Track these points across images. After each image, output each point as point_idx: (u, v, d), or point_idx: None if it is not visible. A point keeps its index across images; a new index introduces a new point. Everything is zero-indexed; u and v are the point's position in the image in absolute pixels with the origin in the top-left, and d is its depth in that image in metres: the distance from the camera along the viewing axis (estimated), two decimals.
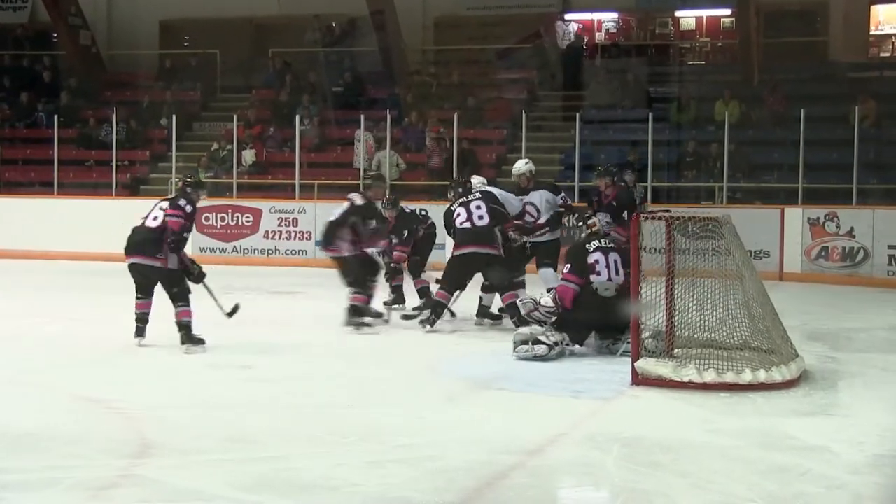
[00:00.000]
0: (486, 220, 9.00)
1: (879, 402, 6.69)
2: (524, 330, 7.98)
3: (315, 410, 6.38)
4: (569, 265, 8.10)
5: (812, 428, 5.96)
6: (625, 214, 8.73)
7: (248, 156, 17.39)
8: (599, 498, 5.01)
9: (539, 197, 9.77)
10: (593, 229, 8.31)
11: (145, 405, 6.37)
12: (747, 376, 6.74)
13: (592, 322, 8.00)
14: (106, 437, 5.63)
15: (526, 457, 5.33)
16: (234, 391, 6.94)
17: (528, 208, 9.68)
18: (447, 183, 12.18)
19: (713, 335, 7.27)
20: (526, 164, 10.09)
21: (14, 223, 16.00)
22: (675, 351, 7.21)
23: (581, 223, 8.64)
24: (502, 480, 4.96)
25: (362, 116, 16.74)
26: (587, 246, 8.14)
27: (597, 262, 8.01)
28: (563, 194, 10.05)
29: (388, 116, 16.48)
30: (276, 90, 19.49)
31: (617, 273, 8.02)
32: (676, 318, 7.26)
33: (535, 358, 7.71)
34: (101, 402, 6.40)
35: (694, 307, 7.29)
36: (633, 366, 6.94)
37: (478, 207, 9.08)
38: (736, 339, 7.21)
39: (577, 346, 8.02)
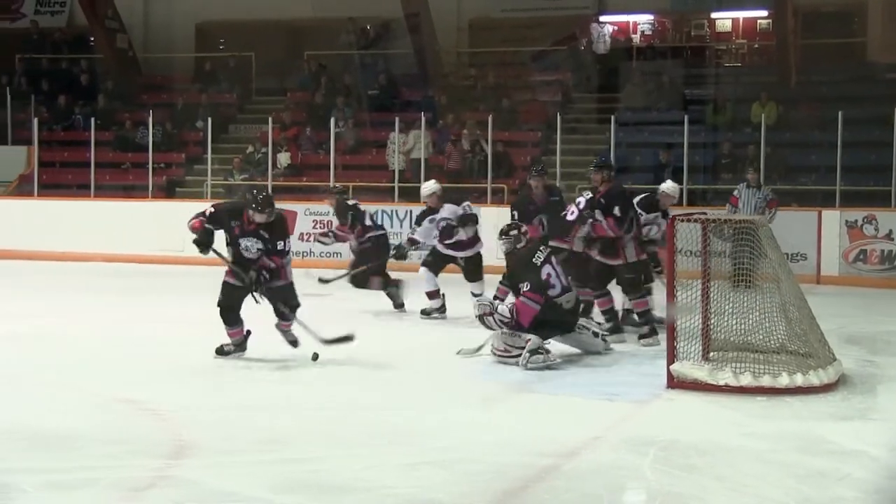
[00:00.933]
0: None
1: None
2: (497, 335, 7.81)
3: (348, 412, 6.39)
4: (527, 283, 7.76)
5: (850, 432, 5.91)
6: (616, 210, 8.54)
7: (283, 158, 17.46)
8: (635, 501, 5.00)
9: (450, 213, 10.01)
10: (527, 237, 8.16)
11: (179, 406, 6.41)
12: (784, 380, 6.68)
13: (556, 332, 7.93)
14: (140, 438, 5.67)
15: (561, 459, 5.32)
16: (267, 392, 6.98)
17: (444, 223, 9.97)
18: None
19: (749, 338, 7.21)
20: (435, 183, 10.37)
21: (51, 225, 16.15)
22: (711, 354, 7.17)
23: (513, 232, 8.16)
24: (537, 483, 4.96)
25: (397, 119, 16.74)
26: (534, 260, 7.92)
27: (549, 275, 7.90)
28: (466, 203, 10.24)
29: (423, 119, 16.51)
30: (311, 93, 19.56)
31: (567, 280, 8.01)
32: (712, 321, 7.23)
33: (548, 367, 7.58)
34: (135, 403, 6.44)
35: (730, 310, 7.26)
36: (668, 369, 6.90)
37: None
38: (773, 342, 7.16)
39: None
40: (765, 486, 4.90)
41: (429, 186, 10.39)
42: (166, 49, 21.82)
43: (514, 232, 8.12)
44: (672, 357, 6.93)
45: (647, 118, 17.58)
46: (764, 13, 19.73)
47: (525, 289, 7.74)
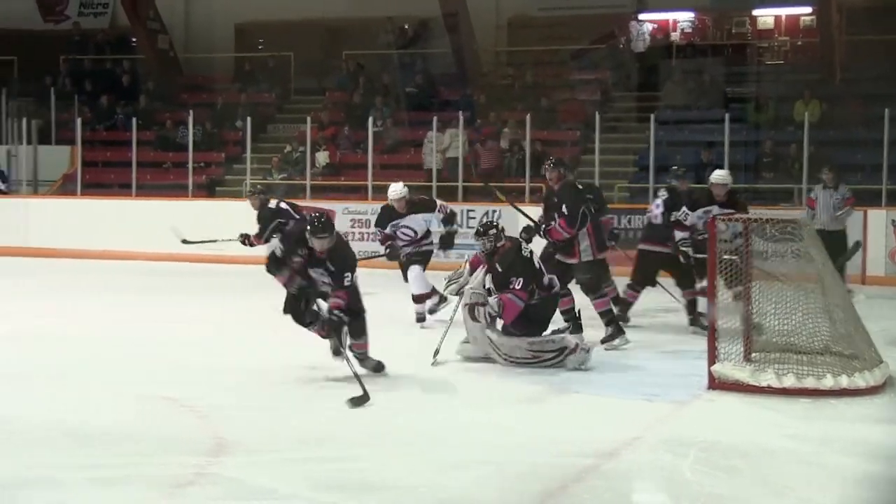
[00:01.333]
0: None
1: None
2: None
3: (388, 411, 6.39)
4: (521, 279, 7.60)
5: None
6: (564, 208, 8.41)
7: (322, 157, 17.54)
8: (675, 502, 4.95)
9: (418, 219, 9.84)
10: (504, 234, 7.96)
11: (218, 404, 6.45)
12: (828, 381, 6.61)
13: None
14: (180, 436, 5.72)
15: (601, 460, 5.29)
16: (307, 390, 6.99)
17: (404, 231, 9.76)
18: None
19: (793, 339, 7.11)
20: (404, 186, 9.95)
21: (94, 224, 16.32)
22: (753, 355, 7.09)
23: (491, 231, 7.83)
24: (577, 483, 4.94)
25: (434, 118, 16.77)
26: (524, 254, 7.81)
27: (541, 265, 7.92)
28: (440, 205, 10.09)
29: (461, 118, 16.50)
30: (349, 92, 19.64)
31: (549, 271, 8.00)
32: (754, 322, 7.16)
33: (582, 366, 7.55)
34: (174, 401, 6.49)
35: (772, 311, 7.18)
36: (709, 370, 6.85)
37: None
38: (816, 343, 7.06)
39: None
40: (808, 489, 4.86)
41: (398, 190, 9.88)
42: (206, 49, 21.98)
43: (493, 231, 7.85)
44: (713, 358, 6.87)
45: (687, 116, 17.47)
46: (807, 10, 19.53)
47: (516, 286, 7.56)
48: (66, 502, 4.68)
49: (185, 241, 11.41)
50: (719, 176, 9.56)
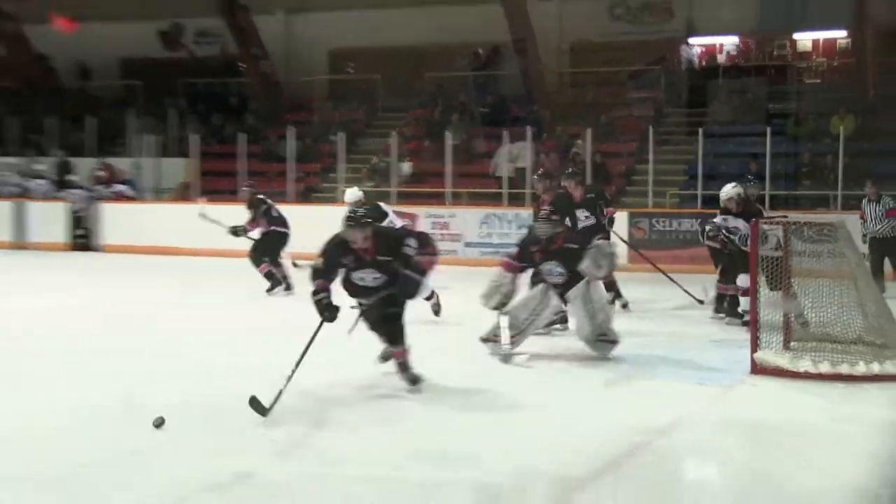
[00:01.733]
0: None
1: None
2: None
3: (454, 393, 6.34)
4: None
5: None
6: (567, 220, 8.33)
7: (406, 167, 17.67)
8: (724, 477, 4.92)
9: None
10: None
11: (313, 384, 6.14)
12: (861, 368, 6.52)
13: None
14: (284, 409, 5.62)
15: (653, 436, 5.29)
16: (391, 378, 6.59)
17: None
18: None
19: (828, 330, 7.06)
20: (359, 190, 9.89)
21: (208, 226, 16.46)
22: (792, 344, 7.02)
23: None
24: (630, 459, 4.94)
25: (504, 133, 16.82)
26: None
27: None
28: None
29: (529, 132, 16.50)
30: (430, 110, 19.74)
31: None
32: (793, 314, 7.08)
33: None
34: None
35: (810, 304, 7.12)
36: (752, 357, 6.79)
37: None
38: (850, 334, 7.00)
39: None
40: (843, 465, 4.82)
41: (353, 193, 9.98)
42: (304, 73, 22.17)
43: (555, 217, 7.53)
44: (755, 346, 6.82)
45: (732, 131, 17.21)
46: (843, 34, 19.12)
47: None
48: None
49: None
50: (723, 192, 9.11)
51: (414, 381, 6.31)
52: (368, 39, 21.30)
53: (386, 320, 6.33)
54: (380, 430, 5.44)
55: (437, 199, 16.67)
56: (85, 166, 19.23)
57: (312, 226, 12.94)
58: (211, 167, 19.38)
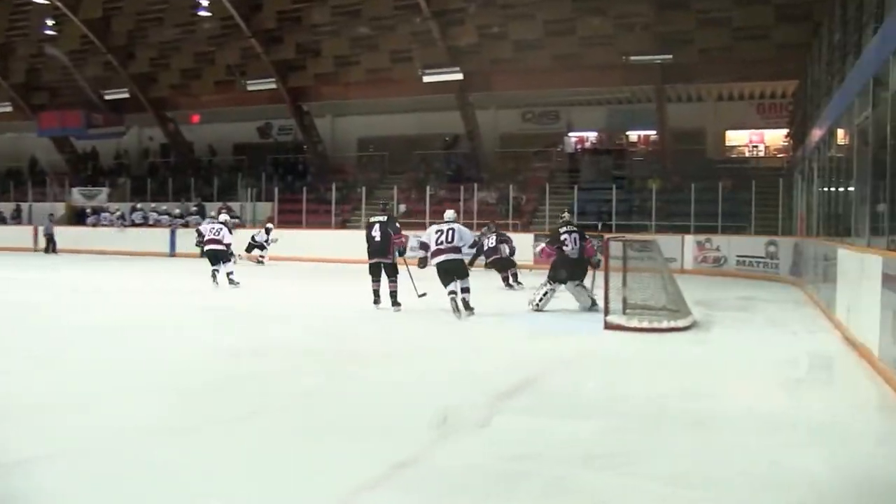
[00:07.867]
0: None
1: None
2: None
3: (506, 373, 4.79)
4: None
5: (699, 351, 5.72)
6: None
7: (402, 207, 17.42)
8: (591, 383, 4.61)
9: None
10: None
11: (408, 376, 4.76)
12: (665, 324, 6.53)
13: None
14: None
15: (556, 363, 5.14)
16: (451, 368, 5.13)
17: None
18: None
19: (648, 302, 6.97)
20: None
21: (287, 243, 16.27)
22: (627, 311, 6.99)
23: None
24: (544, 375, 4.72)
25: (462, 187, 16.89)
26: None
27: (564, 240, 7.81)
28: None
29: (475, 187, 16.54)
30: (417, 173, 19.69)
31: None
32: (627, 294, 7.07)
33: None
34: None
35: (637, 287, 7.04)
36: (604, 319, 6.69)
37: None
38: (658, 304, 6.91)
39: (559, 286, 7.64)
40: (662, 377, 4.74)
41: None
42: (342, 151, 22.08)
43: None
44: (607, 311, 6.74)
45: (593, 186, 17.07)
46: (654, 131, 19.22)
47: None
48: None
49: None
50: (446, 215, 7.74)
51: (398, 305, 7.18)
52: (381, 131, 21.32)
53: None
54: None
55: (420, 226, 16.57)
56: (211, 208, 18.94)
57: (342, 243, 13.14)
58: (286, 207, 19.26)
